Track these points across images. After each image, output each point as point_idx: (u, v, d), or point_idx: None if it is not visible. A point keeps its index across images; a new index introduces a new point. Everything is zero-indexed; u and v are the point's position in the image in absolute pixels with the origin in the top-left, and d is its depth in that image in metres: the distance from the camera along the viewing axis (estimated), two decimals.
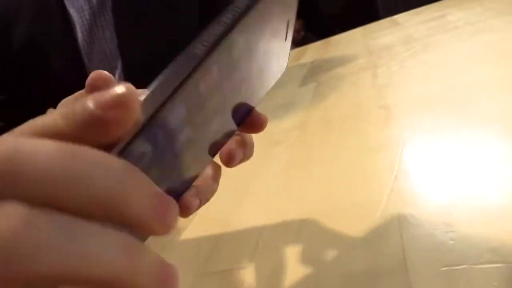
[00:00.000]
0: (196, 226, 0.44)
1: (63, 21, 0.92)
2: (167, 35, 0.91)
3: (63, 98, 1.00)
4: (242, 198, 0.47)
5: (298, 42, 4.08)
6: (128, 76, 0.94)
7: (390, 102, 0.61)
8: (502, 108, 0.46)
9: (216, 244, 0.40)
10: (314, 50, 1.34)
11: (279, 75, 0.29)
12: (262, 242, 0.38)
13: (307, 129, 0.62)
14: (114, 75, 0.94)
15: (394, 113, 0.57)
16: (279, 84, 0.96)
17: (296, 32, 4.07)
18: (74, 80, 0.95)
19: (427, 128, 0.49)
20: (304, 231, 0.38)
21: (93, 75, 0.30)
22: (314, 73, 0.99)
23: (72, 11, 0.92)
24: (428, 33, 0.97)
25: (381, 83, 0.72)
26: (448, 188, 0.36)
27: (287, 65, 0.31)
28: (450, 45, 0.81)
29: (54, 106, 0.93)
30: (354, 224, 0.35)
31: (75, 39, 0.93)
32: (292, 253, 0.35)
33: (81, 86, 1.03)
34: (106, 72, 0.30)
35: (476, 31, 0.85)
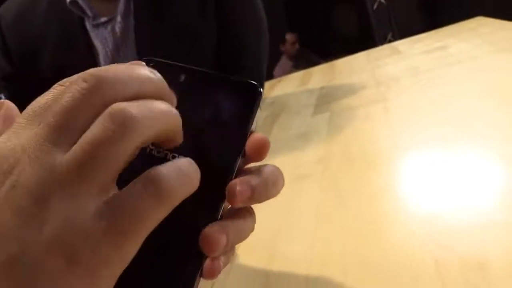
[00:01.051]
0: (242, 261, 0.49)
1: (87, 52, 0.96)
2: (186, 60, 0.96)
3: None
4: (283, 232, 0.52)
5: (293, 55, 4.15)
6: None
7: (404, 142, 0.66)
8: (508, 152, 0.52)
9: (267, 277, 0.45)
10: (320, 74, 1.40)
11: None
12: (313, 275, 0.43)
13: (330, 164, 0.67)
14: None
15: (408, 153, 0.62)
16: (294, 111, 1.01)
17: (291, 44, 4.14)
18: None
19: (440, 166, 0.54)
20: (348, 265, 0.43)
21: None
22: (325, 101, 1.05)
23: (96, 42, 0.96)
24: (432, 66, 1.03)
25: (394, 119, 0.77)
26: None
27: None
28: (455, 82, 0.87)
29: None
30: (396, 256, 0.41)
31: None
32: (343, 286, 0.40)
33: None
34: None
35: (479, 67, 0.91)
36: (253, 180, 0.23)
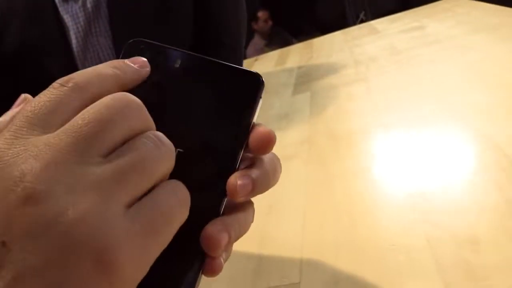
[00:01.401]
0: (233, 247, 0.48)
1: (56, 27, 0.91)
2: (163, 38, 0.93)
3: None
4: (272, 215, 0.51)
5: (266, 33, 4.10)
6: None
7: (387, 121, 0.66)
8: (495, 130, 0.52)
9: (260, 261, 0.44)
10: (297, 54, 1.38)
11: None
12: (306, 258, 0.42)
13: (315, 144, 0.67)
14: None
15: (392, 131, 0.62)
16: (273, 90, 1.00)
17: (263, 22, 4.09)
18: None
19: (424, 146, 0.54)
20: (340, 245, 0.42)
21: None
22: (304, 80, 1.03)
23: (66, 17, 0.92)
24: (410, 45, 1.04)
25: (376, 98, 0.77)
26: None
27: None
28: (434, 62, 0.87)
29: None
30: (389, 227, 0.40)
31: (69, 45, 0.92)
32: (336, 267, 0.40)
33: None
34: None
35: (457, 48, 0.92)
36: (254, 172, 0.22)
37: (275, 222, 0.50)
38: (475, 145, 0.52)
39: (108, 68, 0.22)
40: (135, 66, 0.23)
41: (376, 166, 0.55)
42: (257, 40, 3.98)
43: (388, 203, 0.47)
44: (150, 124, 0.21)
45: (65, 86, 0.20)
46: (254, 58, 1.57)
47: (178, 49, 0.25)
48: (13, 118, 0.19)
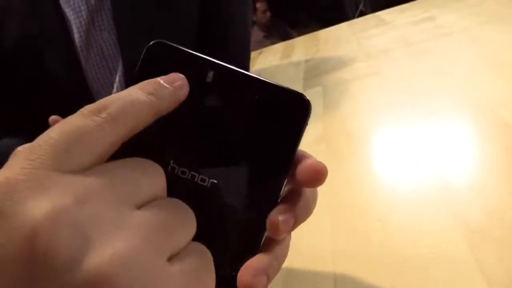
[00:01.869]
0: None
1: (57, 21, 0.88)
2: (167, 33, 0.90)
3: (59, 99, 0.96)
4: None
5: (265, 24, 4.06)
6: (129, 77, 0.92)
7: (402, 115, 0.63)
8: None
9: (291, 274, 0.42)
10: (303, 47, 1.35)
11: None
12: (340, 270, 0.40)
13: (332, 143, 0.64)
14: (114, 78, 0.92)
15: (407, 126, 0.59)
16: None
17: (262, 13, 4.04)
18: (71, 81, 0.92)
19: (444, 139, 0.51)
20: (362, 249, 0.40)
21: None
22: (314, 74, 1.00)
23: (68, 11, 0.88)
24: (422, 37, 1.01)
25: (389, 92, 0.74)
26: None
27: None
28: (447, 54, 0.84)
29: (50, 109, 0.89)
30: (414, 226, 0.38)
31: (71, 39, 0.89)
32: (374, 279, 0.37)
33: (78, 88, 1.00)
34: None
35: (469, 39, 0.89)
36: (296, 206, 0.20)
37: (301, 232, 0.47)
38: (496, 135, 0.50)
39: (142, 94, 0.18)
40: (172, 88, 0.19)
41: (398, 164, 0.52)
42: (256, 32, 3.93)
43: (418, 205, 0.44)
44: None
45: (98, 116, 0.17)
46: (258, 51, 1.54)
47: (208, 57, 0.21)
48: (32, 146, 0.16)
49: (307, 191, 0.21)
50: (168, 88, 0.19)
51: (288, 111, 0.20)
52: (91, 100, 0.90)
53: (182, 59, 0.21)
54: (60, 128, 0.16)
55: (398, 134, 0.60)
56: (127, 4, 0.86)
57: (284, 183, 0.20)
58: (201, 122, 0.20)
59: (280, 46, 1.50)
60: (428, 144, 0.54)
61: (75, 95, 0.89)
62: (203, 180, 0.20)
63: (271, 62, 1.29)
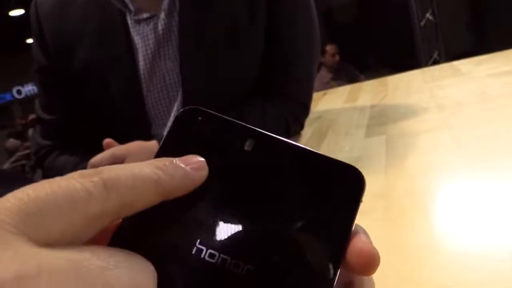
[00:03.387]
0: None
1: (126, 47, 0.90)
2: (229, 71, 0.88)
3: (117, 123, 0.97)
4: None
5: (333, 67, 4.05)
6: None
7: (477, 176, 0.56)
8: None
9: None
10: (370, 91, 1.29)
11: None
12: None
13: (393, 201, 0.57)
14: (172, 107, 0.91)
15: (482, 188, 0.51)
16: (343, 130, 0.92)
17: (331, 56, 4.04)
18: (131, 107, 0.92)
19: None
20: None
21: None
22: (379, 122, 0.94)
23: (136, 38, 0.90)
24: (503, 92, 0.92)
25: (464, 150, 0.67)
26: None
27: None
28: None
29: (107, 131, 0.90)
30: None
31: (135, 66, 0.91)
32: None
33: (137, 114, 1.00)
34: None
35: None
36: None
37: None
38: None
39: (148, 167, 0.16)
40: (187, 168, 0.17)
41: (469, 232, 0.45)
42: (324, 73, 3.93)
43: (487, 276, 0.37)
44: None
45: (88, 179, 0.14)
46: (323, 92, 1.50)
47: (248, 125, 0.18)
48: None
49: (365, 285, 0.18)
50: (181, 167, 0.17)
51: (340, 186, 0.17)
52: (148, 125, 0.90)
53: (218, 126, 0.19)
54: (40, 185, 0.14)
55: (469, 196, 0.52)
56: (194, 37, 0.87)
57: (337, 274, 0.16)
58: (237, 197, 0.17)
59: (345, 89, 1.45)
60: (503, 212, 0.47)
61: (133, 120, 0.90)
62: (236, 266, 0.16)
63: (335, 105, 1.24)
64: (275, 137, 0.18)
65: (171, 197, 0.16)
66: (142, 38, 0.91)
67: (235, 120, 0.18)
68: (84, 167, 0.72)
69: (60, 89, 0.94)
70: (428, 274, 0.42)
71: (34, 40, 0.94)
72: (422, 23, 3.95)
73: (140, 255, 0.15)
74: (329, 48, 3.97)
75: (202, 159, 0.17)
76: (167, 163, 0.17)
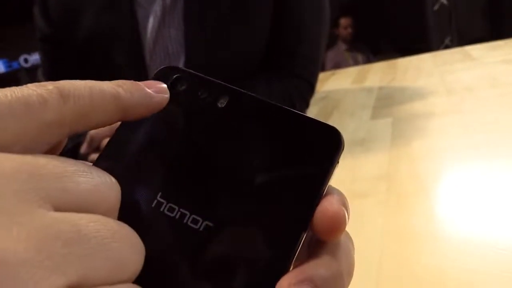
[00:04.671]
0: None
1: (130, 16, 0.88)
2: (235, 44, 0.87)
3: None
4: None
5: (347, 39, 4.01)
6: None
7: (485, 163, 0.54)
8: None
9: None
10: (378, 73, 1.27)
11: None
12: None
13: (396, 183, 0.56)
14: None
15: (488, 175, 0.50)
16: (348, 111, 0.90)
17: (344, 28, 3.98)
18: (133, 74, 0.91)
19: None
20: None
21: None
22: (386, 103, 0.92)
23: (142, 7, 0.89)
24: None
25: (472, 135, 0.65)
26: None
27: None
28: None
29: None
30: None
31: (139, 34, 0.89)
32: None
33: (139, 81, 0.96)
34: None
35: None
36: (317, 272, 0.15)
37: None
38: None
39: (108, 84, 0.16)
40: (148, 90, 0.17)
41: (471, 218, 0.44)
42: (339, 45, 3.91)
43: (488, 263, 0.36)
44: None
45: (43, 87, 0.14)
46: (331, 72, 1.48)
47: (226, 84, 0.18)
48: None
49: (338, 252, 0.16)
50: (142, 88, 0.16)
51: (315, 146, 0.16)
52: None
53: (194, 84, 0.18)
54: None
55: (474, 182, 0.51)
56: (200, 7, 0.85)
57: (303, 238, 0.15)
58: (208, 152, 0.17)
59: (354, 70, 1.43)
60: (509, 200, 0.45)
61: None
62: (195, 222, 0.15)
63: (342, 85, 1.22)
64: (251, 95, 0.18)
65: (131, 116, 0.16)
66: (150, 5, 0.90)
67: (211, 78, 0.18)
68: (82, 141, 0.71)
69: (64, 58, 0.93)
70: (428, 259, 0.41)
71: (36, 8, 0.92)
72: (436, 7, 3.87)
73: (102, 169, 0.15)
74: (343, 21, 3.93)
75: (164, 85, 0.18)
76: (127, 82, 0.16)
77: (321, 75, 1.42)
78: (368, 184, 0.56)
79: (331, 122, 0.17)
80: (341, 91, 1.16)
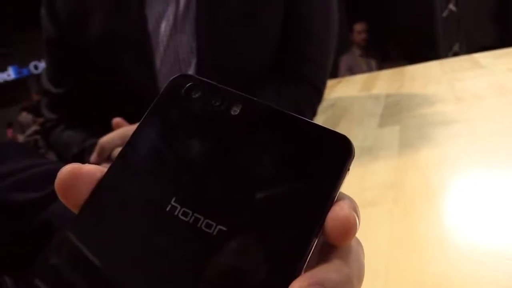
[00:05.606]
0: None
1: (140, 21, 0.89)
2: (246, 49, 0.87)
3: (129, 96, 0.94)
4: None
5: (361, 44, 4.02)
6: None
7: (492, 172, 0.54)
8: None
9: None
10: (386, 81, 1.27)
11: None
12: None
13: (404, 192, 0.56)
14: None
15: (498, 184, 0.50)
16: (356, 118, 0.90)
17: (358, 33, 4.00)
18: (142, 79, 0.91)
19: None
20: None
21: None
22: (393, 111, 0.92)
23: (153, 11, 0.89)
24: None
25: (480, 144, 0.65)
26: None
27: None
28: None
29: (116, 104, 0.88)
30: None
31: (150, 39, 0.89)
32: None
33: (147, 87, 0.98)
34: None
35: None
36: (329, 276, 0.15)
37: None
38: None
39: None
40: None
41: (479, 228, 0.44)
42: (354, 49, 3.92)
43: (496, 277, 0.36)
44: None
45: None
46: (337, 80, 1.48)
47: (239, 92, 0.18)
48: None
49: (349, 257, 0.16)
50: None
51: (326, 154, 0.17)
52: None
53: (207, 92, 0.19)
54: None
55: (482, 191, 0.51)
56: (212, 12, 0.85)
57: (314, 243, 0.16)
58: (218, 159, 0.17)
59: (361, 78, 1.43)
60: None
61: (143, 91, 0.88)
62: (208, 226, 0.16)
63: (349, 93, 1.22)
64: (264, 103, 0.18)
65: None
66: (161, 10, 0.90)
67: (224, 87, 0.19)
68: (91, 145, 0.71)
69: (70, 62, 0.93)
70: (435, 267, 0.41)
71: (44, 10, 0.91)
72: (444, 14, 3.86)
73: None
74: (358, 26, 3.94)
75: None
76: None
77: (329, 83, 1.43)
78: (376, 193, 0.56)
79: (338, 130, 0.18)
80: (349, 98, 1.17)
